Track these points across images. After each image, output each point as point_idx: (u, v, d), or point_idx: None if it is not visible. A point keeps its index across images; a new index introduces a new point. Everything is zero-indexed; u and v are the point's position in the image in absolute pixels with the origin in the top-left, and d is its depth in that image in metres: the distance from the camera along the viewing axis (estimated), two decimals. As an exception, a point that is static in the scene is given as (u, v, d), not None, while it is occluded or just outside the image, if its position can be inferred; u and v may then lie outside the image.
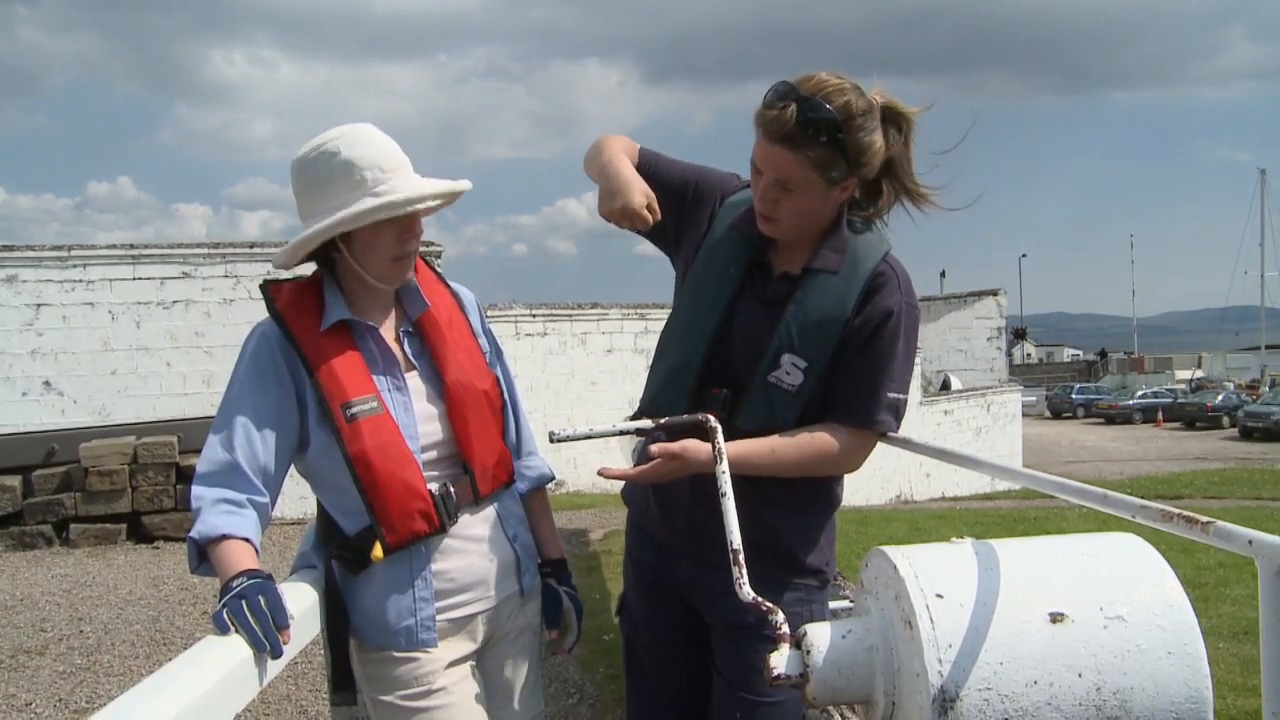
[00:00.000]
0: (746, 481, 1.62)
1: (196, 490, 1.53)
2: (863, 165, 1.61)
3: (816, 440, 1.67)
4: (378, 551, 1.60)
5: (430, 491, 1.64)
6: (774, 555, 1.73)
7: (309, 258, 1.68)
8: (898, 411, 1.70)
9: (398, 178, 1.61)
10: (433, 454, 1.68)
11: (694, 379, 1.72)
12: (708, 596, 1.79)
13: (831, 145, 1.56)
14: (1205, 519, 1.03)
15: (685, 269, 1.82)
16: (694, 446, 1.61)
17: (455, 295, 1.84)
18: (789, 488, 1.72)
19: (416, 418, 1.66)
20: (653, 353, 1.85)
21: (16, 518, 7.57)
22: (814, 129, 1.54)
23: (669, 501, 1.80)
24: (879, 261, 1.70)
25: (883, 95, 1.64)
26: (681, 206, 1.82)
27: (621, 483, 1.86)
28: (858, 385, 1.68)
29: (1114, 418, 39.00)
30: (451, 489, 1.67)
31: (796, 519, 1.77)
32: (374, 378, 1.64)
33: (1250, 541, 0.96)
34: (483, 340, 1.84)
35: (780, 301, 1.70)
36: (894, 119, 1.66)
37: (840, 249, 1.69)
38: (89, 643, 5.15)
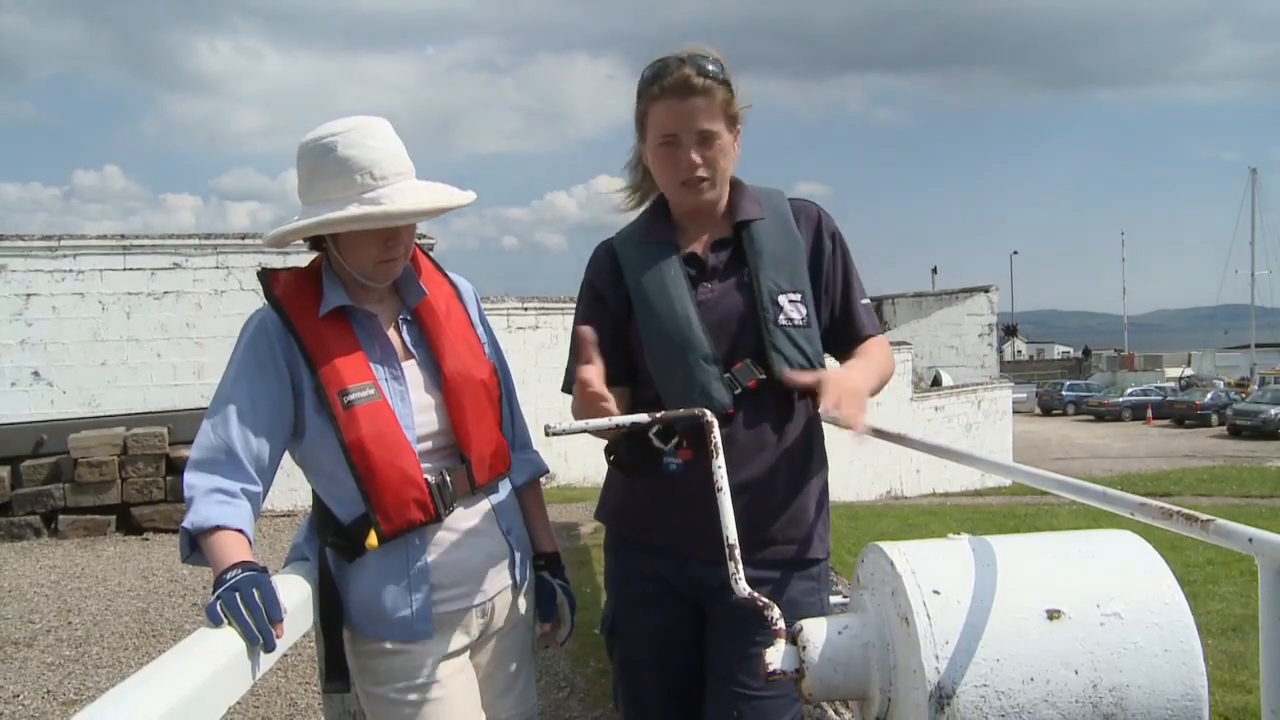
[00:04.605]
0: (756, 476, 1.71)
1: (190, 478, 1.52)
2: (742, 108, 1.76)
3: (874, 348, 1.83)
4: (372, 539, 1.59)
5: (426, 480, 1.63)
6: (785, 544, 1.76)
7: (309, 244, 1.68)
8: (873, 315, 1.94)
9: (391, 186, 1.57)
10: (429, 444, 1.67)
11: (717, 365, 1.72)
12: (717, 590, 1.77)
13: (727, 88, 1.72)
14: (1205, 517, 1.03)
15: (630, 320, 1.80)
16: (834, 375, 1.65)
17: (454, 285, 1.83)
18: (794, 473, 1.77)
19: (413, 407, 1.65)
20: None
21: (5, 509, 7.53)
22: (712, 75, 1.70)
23: (681, 502, 1.76)
24: (784, 199, 1.85)
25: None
26: (620, 315, 1.81)
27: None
28: (851, 305, 1.85)
29: (1104, 415, 39.18)
30: (448, 478, 1.66)
31: (803, 504, 1.79)
32: (371, 366, 1.63)
33: (1250, 539, 0.96)
34: (480, 331, 1.83)
35: (729, 265, 1.78)
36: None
37: (753, 198, 1.82)
38: (77, 634, 5.12)
